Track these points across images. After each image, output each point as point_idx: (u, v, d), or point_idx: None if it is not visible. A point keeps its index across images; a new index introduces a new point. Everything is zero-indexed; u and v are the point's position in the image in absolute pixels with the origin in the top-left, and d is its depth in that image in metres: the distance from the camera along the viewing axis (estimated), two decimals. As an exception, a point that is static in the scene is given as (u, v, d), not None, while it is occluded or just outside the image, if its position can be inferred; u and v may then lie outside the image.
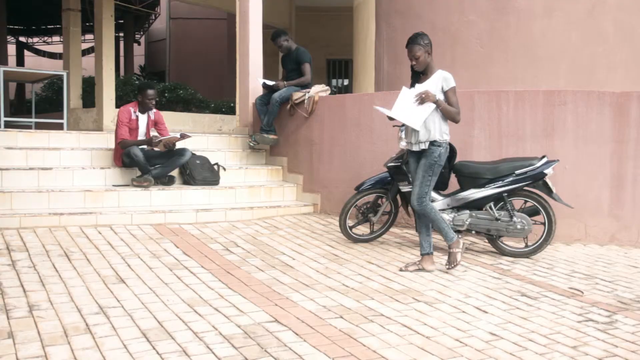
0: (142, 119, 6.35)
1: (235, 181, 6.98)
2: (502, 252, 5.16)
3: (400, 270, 4.49)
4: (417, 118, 4.34)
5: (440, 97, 4.34)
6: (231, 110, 13.33)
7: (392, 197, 5.35)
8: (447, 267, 4.49)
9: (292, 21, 15.37)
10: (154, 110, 6.46)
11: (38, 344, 2.91)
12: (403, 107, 4.41)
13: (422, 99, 4.28)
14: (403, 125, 5.25)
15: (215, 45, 19.12)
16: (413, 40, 4.37)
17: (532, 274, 4.61)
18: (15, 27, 19.60)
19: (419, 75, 4.51)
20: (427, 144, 4.38)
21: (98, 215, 5.57)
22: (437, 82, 4.37)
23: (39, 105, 12.27)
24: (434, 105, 4.30)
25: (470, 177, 5.11)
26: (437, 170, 4.42)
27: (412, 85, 4.51)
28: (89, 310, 3.39)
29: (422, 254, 4.56)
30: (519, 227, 4.97)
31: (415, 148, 4.45)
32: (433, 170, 4.39)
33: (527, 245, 5.12)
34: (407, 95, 4.42)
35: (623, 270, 4.83)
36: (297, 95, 7.10)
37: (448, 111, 4.35)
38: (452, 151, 5.20)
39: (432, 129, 4.36)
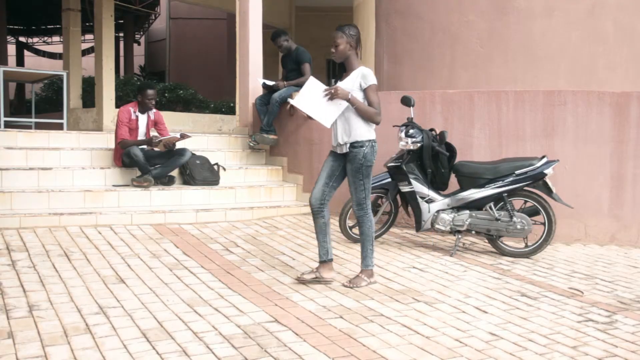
0: (142, 119, 6.34)
1: (235, 181, 6.98)
2: (502, 252, 5.16)
3: (297, 278, 4.12)
4: (327, 115, 4.01)
5: (359, 95, 3.98)
6: (231, 110, 13.33)
7: (392, 197, 5.35)
8: (347, 283, 4.08)
9: (292, 21, 15.36)
10: (154, 110, 6.46)
11: (38, 344, 2.91)
12: (312, 100, 4.04)
13: (332, 96, 3.94)
14: (403, 125, 5.26)
15: (215, 45, 19.12)
16: (339, 28, 4.07)
17: (532, 274, 4.61)
18: (15, 27, 19.60)
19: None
20: (348, 146, 4.02)
21: (98, 215, 5.56)
22: (356, 79, 4.00)
23: (39, 105, 12.27)
24: (345, 104, 3.95)
25: (470, 177, 5.12)
26: (367, 171, 4.03)
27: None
28: (89, 310, 3.39)
29: (321, 261, 4.14)
30: (519, 227, 4.97)
31: (338, 151, 4.13)
32: (362, 173, 4.02)
33: (527, 245, 5.12)
34: (316, 87, 4.05)
35: (623, 270, 4.83)
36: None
37: (364, 111, 3.97)
38: (452, 151, 5.21)
39: (352, 129, 4.01)
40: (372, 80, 4.00)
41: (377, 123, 4.06)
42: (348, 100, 3.95)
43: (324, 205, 4.14)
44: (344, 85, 4.02)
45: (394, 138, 5.67)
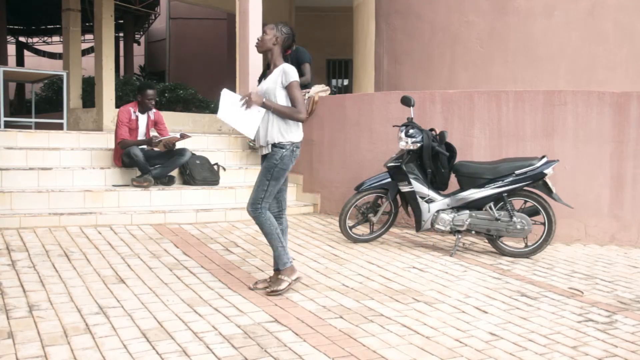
0: (142, 119, 6.35)
1: (235, 181, 6.98)
2: (502, 252, 5.16)
3: (250, 289, 3.97)
4: (249, 125, 3.86)
5: (281, 93, 3.85)
6: (231, 110, 13.28)
7: (392, 197, 5.35)
8: (268, 288, 3.89)
9: (292, 21, 15.35)
10: (154, 110, 6.46)
11: (38, 344, 2.91)
12: (232, 111, 3.90)
13: (247, 104, 3.82)
14: (403, 125, 5.26)
15: (215, 45, 19.11)
16: (275, 23, 3.99)
17: (532, 274, 4.61)
18: (15, 27, 19.59)
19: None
20: (270, 147, 3.88)
21: (98, 215, 5.57)
22: (278, 77, 3.87)
23: (39, 105, 12.27)
24: (263, 110, 3.82)
25: (470, 177, 5.11)
26: (277, 174, 3.84)
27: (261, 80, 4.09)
28: (89, 310, 3.39)
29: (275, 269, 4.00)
30: (518, 227, 4.97)
31: (260, 153, 4.02)
32: (272, 174, 3.84)
33: (527, 245, 5.13)
34: (231, 98, 3.93)
35: (623, 270, 4.83)
36: (297, 95, 7.09)
37: (282, 112, 3.81)
38: (452, 151, 5.21)
39: (270, 130, 3.85)
40: (293, 77, 3.84)
41: (301, 121, 3.89)
42: (263, 105, 3.81)
43: (280, 211, 4.04)
44: (266, 83, 3.91)
45: (394, 138, 5.67)
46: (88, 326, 3.16)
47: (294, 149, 3.89)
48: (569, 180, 5.65)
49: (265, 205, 3.87)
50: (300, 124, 3.94)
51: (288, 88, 3.84)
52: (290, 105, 3.86)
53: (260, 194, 3.86)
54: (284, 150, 3.85)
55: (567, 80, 6.42)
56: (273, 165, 3.84)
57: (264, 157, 3.95)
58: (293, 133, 3.89)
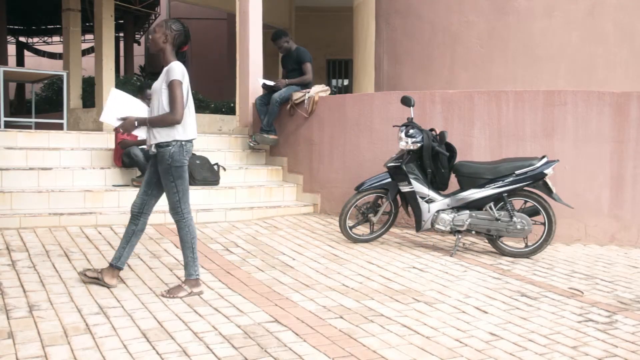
0: (142, 119, 6.34)
1: (235, 181, 6.98)
2: (502, 252, 5.16)
3: (80, 274, 3.92)
4: (139, 132, 3.83)
5: (166, 92, 3.72)
6: (231, 111, 13.33)
7: (392, 197, 5.35)
8: (165, 292, 3.76)
9: (292, 21, 15.37)
10: (154, 110, 6.45)
11: (38, 344, 2.91)
12: (119, 111, 3.82)
13: (123, 129, 3.80)
14: (403, 125, 5.26)
15: (215, 45, 19.12)
16: (164, 20, 3.91)
17: (532, 274, 4.61)
18: (15, 27, 19.59)
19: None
20: (155, 147, 3.78)
21: (98, 215, 5.56)
22: (163, 76, 3.76)
23: (39, 105, 12.27)
24: (144, 127, 3.78)
25: (470, 177, 5.11)
26: (177, 172, 3.74)
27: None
28: (89, 310, 3.39)
29: (109, 264, 3.91)
30: (519, 227, 4.97)
31: (150, 152, 3.89)
32: (172, 174, 3.74)
33: (527, 246, 5.13)
34: (120, 98, 3.83)
35: (623, 271, 4.83)
36: (297, 95, 7.10)
37: (156, 122, 3.72)
38: (452, 151, 5.21)
39: (158, 129, 3.75)
40: (174, 75, 3.69)
41: (175, 124, 3.71)
42: (138, 125, 3.76)
43: (142, 213, 3.89)
44: (156, 82, 3.82)
45: (394, 138, 5.67)
46: (88, 326, 3.16)
47: (182, 144, 3.75)
48: (569, 180, 5.65)
49: (186, 207, 3.80)
50: (190, 124, 3.82)
51: (169, 86, 3.70)
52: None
53: (174, 197, 3.78)
54: (170, 148, 3.73)
55: (567, 80, 6.42)
56: (168, 167, 3.73)
57: (155, 157, 3.83)
58: (177, 132, 3.75)
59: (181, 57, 3.86)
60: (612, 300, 4.00)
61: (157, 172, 3.84)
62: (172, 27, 3.81)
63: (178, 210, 3.79)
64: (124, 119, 3.81)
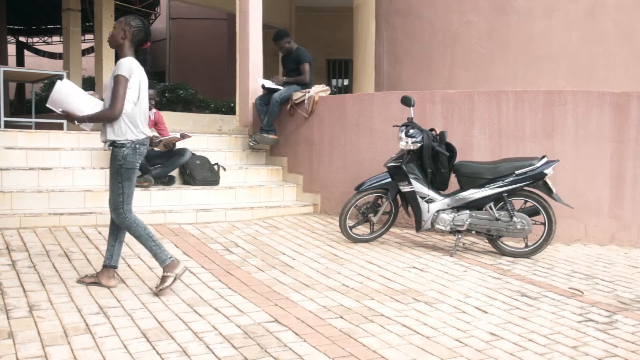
0: (142, 119, 6.34)
1: (235, 181, 6.98)
2: (502, 252, 5.16)
3: (78, 281, 3.91)
4: (85, 127, 3.82)
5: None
6: (231, 110, 13.34)
7: (392, 197, 5.35)
8: (155, 289, 3.77)
9: (292, 21, 15.37)
10: (154, 110, 6.46)
11: (38, 344, 2.91)
12: (67, 100, 3.77)
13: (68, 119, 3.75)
14: (403, 125, 5.26)
15: (215, 45, 19.12)
16: (124, 16, 3.89)
17: (532, 274, 4.61)
18: (15, 27, 19.59)
19: None
20: (109, 144, 3.75)
21: (98, 215, 5.56)
22: (114, 71, 3.75)
23: (39, 105, 12.26)
24: (89, 124, 3.75)
25: (470, 177, 5.11)
26: (127, 174, 3.73)
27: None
28: (89, 310, 3.39)
29: (103, 265, 3.91)
30: (519, 227, 4.97)
31: (104, 148, 3.88)
32: (122, 175, 3.72)
33: (527, 245, 5.13)
34: (69, 91, 3.79)
35: (623, 270, 4.83)
36: (297, 95, 7.11)
37: (96, 119, 3.70)
38: (452, 151, 5.21)
39: (112, 127, 3.72)
40: (120, 71, 3.65)
41: (112, 120, 3.67)
42: (81, 120, 3.72)
43: (120, 214, 3.84)
44: (107, 78, 3.81)
45: (394, 138, 5.67)
46: (88, 326, 3.16)
47: (137, 145, 3.74)
48: (569, 180, 5.65)
49: (128, 207, 3.78)
50: (141, 122, 3.77)
51: (114, 81, 3.67)
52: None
53: (117, 198, 3.76)
54: (124, 149, 3.71)
55: (567, 80, 6.42)
56: (118, 167, 3.72)
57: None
58: (131, 132, 3.73)
59: (141, 54, 3.83)
60: (612, 300, 4.00)
61: None
62: (131, 24, 3.78)
63: (120, 211, 3.77)
64: (65, 112, 3.77)
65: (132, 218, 3.79)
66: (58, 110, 3.83)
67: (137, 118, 3.74)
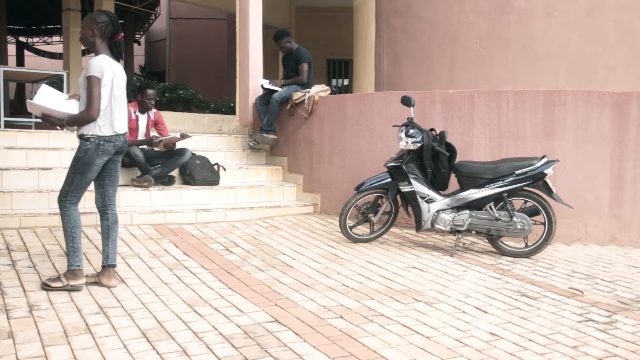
0: (142, 119, 6.35)
1: (235, 181, 6.98)
2: (502, 252, 5.16)
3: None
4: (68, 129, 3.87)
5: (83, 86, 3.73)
6: (231, 110, 13.33)
7: (392, 197, 5.35)
8: (45, 279, 3.75)
9: (292, 21, 15.38)
10: (154, 110, 6.46)
11: (38, 344, 2.91)
12: (49, 102, 3.79)
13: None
14: (403, 125, 5.26)
15: (215, 45, 19.13)
16: (90, 14, 3.88)
17: (532, 274, 4.61)
18: (15, 27, 19.60)
19: None
20: (77, 135, 3.77)
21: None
22: (85, 72, 3.75)
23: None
24: (73, 128, 3.78)
25: (470, 177, 5.11)
26: (82, 168, 3.70)
27: None
28: (89, 310, 3.39)
29: (102, 265, 3.89)
30: (519, 227, 4.97)
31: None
32: (77, 167, 3.70)
33: (527, 245, 5.12)
34: (49, 96, 3.80)
35: (623, 270, 4.83)
36: (297, 95, 7.11)
37: (75, 121, 3.72)
38: (452, 151, 5.21)
39: None
40: (90, 72, 3.64)
41: (91, 121, 3.67)
42: (62, 125, 3.76)
43: (106, 206, 3.93)
44: (80, 77, 3.80)
45: (394, 138, 5.67)
46: (88, 326, 3.16)
47: (101, 142, 3.71)
48: (569, 180, 5.65)
49: (72, 199, 3.75)
50: (115, 119, 3.75)
51: (87, 82, 3.67)
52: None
53: (66, 186, 3.74)
54: (88, 143, 3.70)
55: (567, 80, 6.42)
56: (78, 158, 3.72)
57: None
58: (98, 128, 3.70)
59: (115, 47, 3.79)
60: (612, 300, 4.00)
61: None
62: (97, 20, 3.75)
63: (62, 200, 3.74)
64: (46, 116, 3.77)
65: (70, 212, 3.74)
66: (38, 114, 3.85)
67: (108, 115, 3.72)
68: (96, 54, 3.76)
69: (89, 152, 3.70)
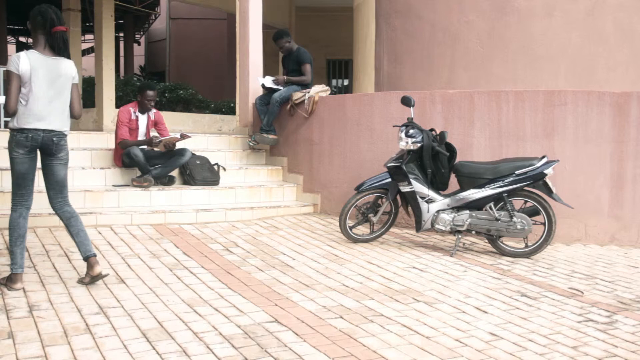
0: (142, 119, 6.35)
1: (235, 181, 6.98)
2: (502, 252, 5.16)
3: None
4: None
5: None
6: (231, 110, 13.34)
7: (392, 197, 5.35)
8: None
9: (292, 21, 15.37)
10: (154, 110, 6.46)
11: (38, 344, 2.91)
12: None
13: None
14: (403, 125, 5.26)
15: (215, 45, 19.12)
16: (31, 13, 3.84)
17: (532, 274, 4.61)
18: (15, 27, 19.60)
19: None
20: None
21: (98, 215, 5.56)
22: None
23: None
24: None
25: (470, 177, 5.11)
26: (10, 162, 3.73)
27: None
28: (89, 310, 3.39)
29: (83, 259, 3.88)
30: (519, 227, 4.97)
31: None
32: (9, 161, 3.74)
33: (527, 246, 5.12)
34: None
35: (623, 271, 4.83)
36: (297, 95, 7.11)
37: (5, 114, 3.71)
38: (452, 151, 5.21)
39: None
40: (8, 66, 3.67)
41: (13, 114, 3.67)
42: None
43: (55, 207, 3.96)
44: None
45: (394, 138, 5.67)
46: (88, 326, 3.16)
47: (15, 134, 3.68)
48: (569, 180, 5.65)
49: (15, 198, 3.76)
50: (34, 111, 3.68)
51: (5, 76, 3.67)
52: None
53: (13, 187, 3.76)
54: (9, 137, 3.70)
55: (567, 80, 6.42)
56: (8, 151, 3.73)
57: None
58: (17, 120, 3.69)
59: (55, 39, 3.73)
60: (612, 300, 4.00)
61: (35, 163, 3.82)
62: (31, 15, 3.75)
63: (12, 201, 3.78)
64: None
65: (12, 213, 3.76)
66: None
67: (24, 108, 3.68)
68: (33, 47, 3.76)
69: (8, 145, 3.73)
